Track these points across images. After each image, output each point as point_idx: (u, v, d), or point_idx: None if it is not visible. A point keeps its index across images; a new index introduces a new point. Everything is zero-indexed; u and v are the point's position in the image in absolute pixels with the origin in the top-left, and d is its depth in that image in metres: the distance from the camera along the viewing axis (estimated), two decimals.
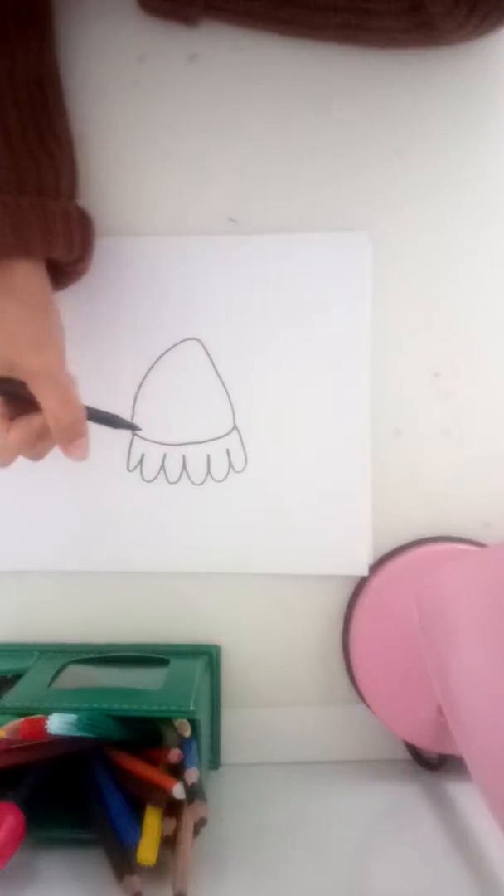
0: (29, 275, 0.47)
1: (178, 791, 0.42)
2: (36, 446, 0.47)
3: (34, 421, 0.46)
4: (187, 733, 0.44)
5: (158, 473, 0.55)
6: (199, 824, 0.42)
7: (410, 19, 0.49)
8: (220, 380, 0.55)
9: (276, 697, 0.56)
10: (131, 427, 0.52)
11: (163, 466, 0.55)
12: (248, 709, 0.56)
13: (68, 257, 0.49)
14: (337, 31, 0.51)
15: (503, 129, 0.54)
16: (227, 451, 0.55)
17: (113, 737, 0.44)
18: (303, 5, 0.50)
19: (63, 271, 0.51)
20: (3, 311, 0.46)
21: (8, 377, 0.46)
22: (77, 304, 0.53)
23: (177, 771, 0.43)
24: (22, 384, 0.46)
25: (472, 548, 0.54)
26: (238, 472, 0.55)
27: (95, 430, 0.49)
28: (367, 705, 0.54)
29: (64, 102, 0.51)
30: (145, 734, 0.46)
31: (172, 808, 0.43)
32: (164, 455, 0.55)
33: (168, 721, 0.45)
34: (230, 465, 0.55)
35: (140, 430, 0.53)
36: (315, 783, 0.53)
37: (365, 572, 0.55)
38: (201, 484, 0.55)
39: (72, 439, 0.47)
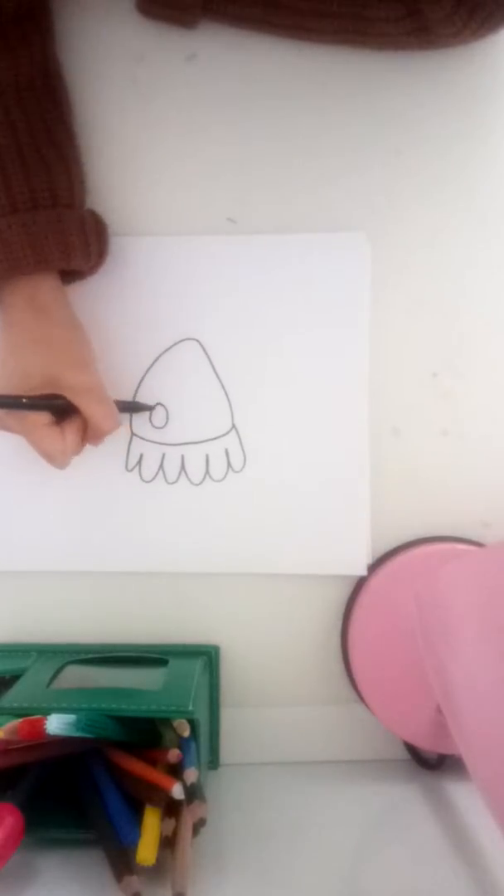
0: (54, 294, 0.50)
1: (177, 791, 0.42)
2: (81, 445, 0.51)
3: (78, 424, 0.50)
4: (186, 733, 0.44)
5: (157, 473, 0.55)
6: (199, 824, 0.42)
7: (408, 24, 0.49)
8: (219, 379, 0.55)
9: (274, 697, 0.56)
10: (148, 408, 0.54)
11: (161, 466, 0.55)
12: (246, 709, 0.56)
13: (86, 266, 0.50)
14: (334, 36, 0.51)
15: (502, 130, 0.54)
16: (226, 451, 0.55)
17: (112, 737, 0.44)
18: (300, 11, 0.50)
19: (74, 272, 0.51)
20: (40, 332, 0.49)
21: (52, 394, 0.49)
22: (74, 304, 0.52)
23: (176, 771, 0.43)
24: (63, 398, 0.49)
25: (471, 548, 0.54)
26: (237, 471, 0.55)
27: None
28: (366, 705, 0.54)
29: (71, 103, 0.51)
30: (144, 734, 0.46)
31: (171, 809, 0.43)
32: (163, 455, 0.55)
33: (167, 721, 0.45)
34: (229, 464, 0.55)
35: (154, 407, 0.55)
36: (314, 783, 0.53)
37: (364, 572, 0.55)
38: (200, 484, 0.55)
39: (104, 439, 0.52)
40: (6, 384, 0.49)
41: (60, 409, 0.49)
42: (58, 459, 0.49)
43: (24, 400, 0.48)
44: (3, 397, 0.48)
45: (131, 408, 0.54)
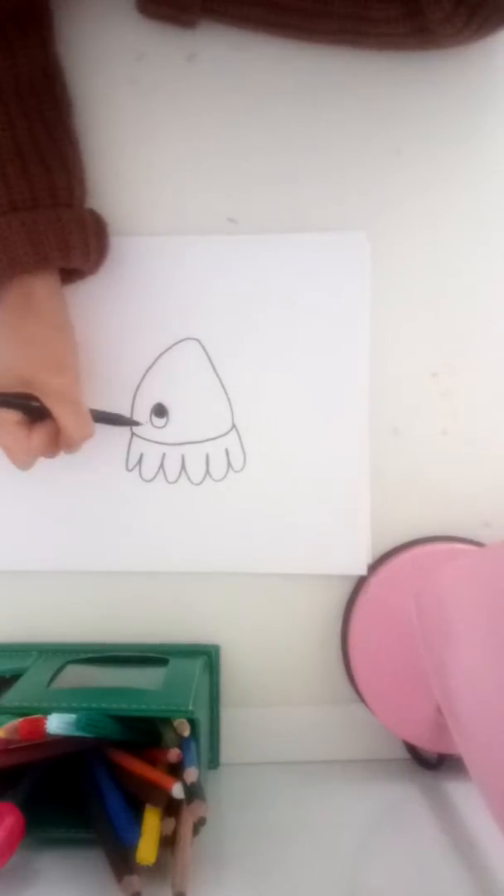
0: (48, 293, 0.49)
1: (177, 791, 0.42)
2: (51, 449, 0.50)
3: (50, 427, 0.49)
4: (186, 733, 0.44)
5: (157, 473, 0.55)
6: (199, 824, 0.42)
7: (408, 25, 0.49)
8: (219, 379, 0.55)
9: (274, 697, 0.56)
10: (133, 423, 0.54)
11: (161, 466, 0.55)
12: (247, 708, 0.56)
13: (85, 265, 0.50)
14: (335, 36, 0.51)
15: (502, 130, 0.54)
16: (226, 451, 0.55)
17: (112, 736, 0.44)
18: (300, 12, 0.49)
19: (74, 271, 0.51)
20: (25, 331, 0.49)
21: (25, 393, 0.48)
22: (75, 304, 0.52)
23: (176, 771, 0.43)
24: (37, 399, 0.48)
25: (471, 547, 0.54)
26: (237, 471, 0.55)
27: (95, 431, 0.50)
28: (366, 705, 0.54)
29: (71, 103, 0.51)
30: (144, 734, 0.46)
31: (171, 808, 0.43)
32: (163, 455, 0.55)
33: (167, 721, 0.45)
34: (229, 464, 0.55)
35: (141, 424, 0.54)
36: (314, 783, 0.53)
37: (364, 572, 0.55)
38: (200, 483, 0.55)
39: (78, 448, 0.51)
40: None
41: (34, 410, 0.49)
42: (18, 458, 0.49)
43: None
44: None
45: (115, 420, 0.53)
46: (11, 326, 0.49)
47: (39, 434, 0.49)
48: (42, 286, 0.49)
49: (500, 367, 0.55)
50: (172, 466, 0.55)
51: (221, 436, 0.55)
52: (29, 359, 0.49)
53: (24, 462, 0.49)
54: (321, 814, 0.50)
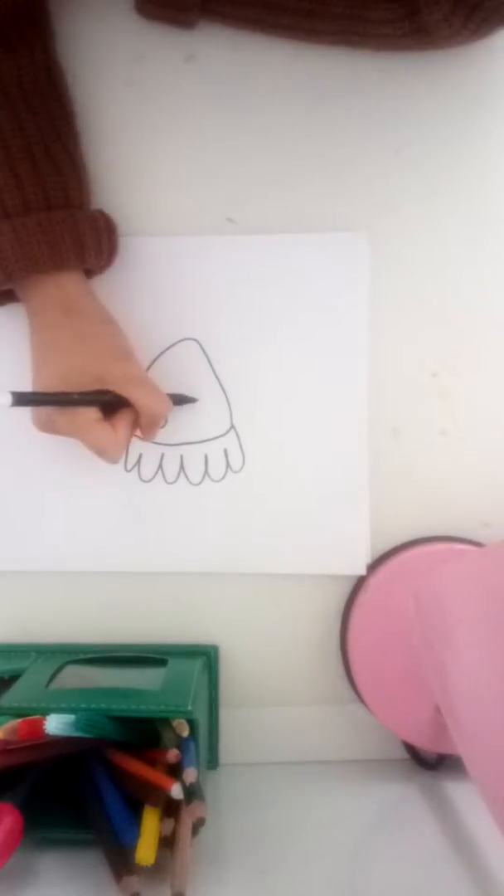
0: (81, 291, 0.50)
1: (176, 791, 0.42)
2: (132, 437, 0.51)
3: (129, 415, 0.50)
4: (185, 733, 0.44)
5: (156, 473, 0.55)
6: (198, 824, 0.42)
7: (406, 26, 0.49)
8: (218, 380, 0.55)
9: (274, 697, 0.56)
10: (192, 400, 0.54)
11: (160, 466, 0.55)
12: (246, 709, 0.56)
13: (99, 265, 0.51)
14: (334, 36, 0.51)
15: (501, 130, 0.54)
16: (225, 451, 0.55)
17: (111, 737, 0.44)
18: (299, 12, 0.50)
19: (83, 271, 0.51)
20: (75, 330, 0.49)
21: (98, 389, 0.49)
22: None
23: (175, 771, 0.43)
24: (110, 392, 0.49)
25: (470, 547, 0.54)
26: (235, 472, 0.55)
27: None
28: (366, 705, 0.54)
29: (73, 103, 0.51)
30: (144, 734, 0.46)
31: (171, 809, 0.43)
32: (162, 455, 0.55)
33: (166, 721, 0.45)
34: (228, 464, 0.55)
35: (197, 400, 0.54)
36: (313, 783, 0.53)
37: (363, 572, 0.55)
38: (199, 484, 0.55)
39: (157, 429, 0.52)
40: (48, 387, 0.49)
41: (109, 403, 0.49)
42: (111, 453, 0.49)
43: (75, 396, 0.48)
44: (55, 395, 0.48)
45: (178, 400, 0.53)
46: (60, 329, 0.49)
47: (122, 424, 0.49)
48: (73, 285, 0.49)
49: (500, 367, 0.55)
50: (171, 467, 0.55)
51: (220, 436, 0.55)
52: (90, 354, 0.49)
53: (117, 457, 0.50)
54: (321, 814, 0.50)
